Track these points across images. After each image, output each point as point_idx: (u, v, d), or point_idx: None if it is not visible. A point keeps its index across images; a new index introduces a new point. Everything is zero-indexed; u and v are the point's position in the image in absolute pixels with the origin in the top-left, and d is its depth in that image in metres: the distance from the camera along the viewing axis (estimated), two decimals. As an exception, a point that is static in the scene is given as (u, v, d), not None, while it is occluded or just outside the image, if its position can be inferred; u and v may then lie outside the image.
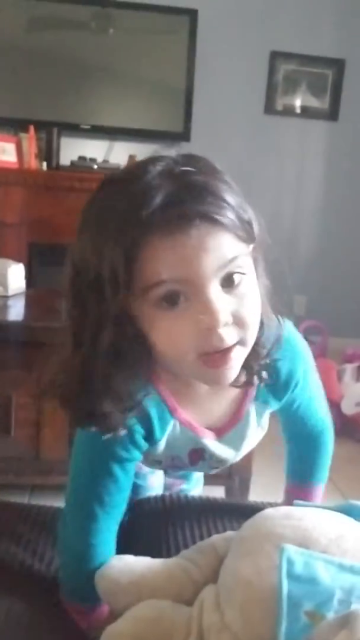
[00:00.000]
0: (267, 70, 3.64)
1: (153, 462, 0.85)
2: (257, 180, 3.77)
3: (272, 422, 0.89)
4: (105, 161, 3.41)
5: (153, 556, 0.76)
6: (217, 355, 0.61)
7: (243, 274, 0.61)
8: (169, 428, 0.75)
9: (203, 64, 3.43)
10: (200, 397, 0.75)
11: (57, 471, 1.87)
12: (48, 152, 3.24)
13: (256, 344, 0.67)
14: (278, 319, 0.73)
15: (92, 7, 3.30)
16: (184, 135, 3.46)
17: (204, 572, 0.72)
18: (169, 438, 0.76)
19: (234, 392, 0.77)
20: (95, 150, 3.43)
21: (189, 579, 0.71)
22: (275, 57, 3.62)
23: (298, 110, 3.73)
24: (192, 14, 3.35)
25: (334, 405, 2.55)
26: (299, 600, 0.55)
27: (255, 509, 0.98)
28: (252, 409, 0.80)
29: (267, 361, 0.72)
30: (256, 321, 0.64)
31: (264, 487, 0.96)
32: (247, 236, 0.62)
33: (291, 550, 0.59)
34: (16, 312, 1.89)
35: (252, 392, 0.78)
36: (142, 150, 3.42)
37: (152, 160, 0.61)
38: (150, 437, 0.74)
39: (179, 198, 0.57)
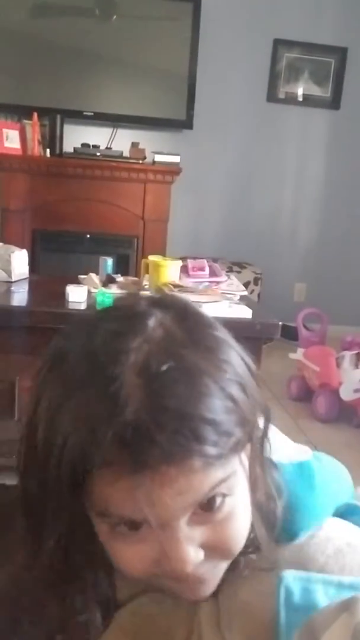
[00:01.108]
0: (270, 58, 3.64)
1: None
2: (258, 167, 3.78)
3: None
4: (108, 148, 3.42)
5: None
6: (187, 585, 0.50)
7: (226, 494, 0.48)
8: None
9: (206, 52, 3.43)
10: None
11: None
12: (51, 139, 3.26)
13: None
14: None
15: (96, -7, 3.31)
16: (187, 123, 3.47)
17: None
18: None
19: None
20: (99, 137, 3.44)
21: None
22: (278, 44, 3.62)
23: (300, 99, 3.73)
24: (195, 1, 3.34)
25: (333, 392, 2.59)
26: (297, 629, 0.55)
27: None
28: None
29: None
30: (241, 541, 0.52)
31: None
32: (236, 449, 0.47)
33: (289, 578, 0.57)
34: (20, 297, 1.92)
35: None
36: (144, 137, 3.44)
37: (126, 327, 0.47)
38: None
39: (147, 432, 0.42)
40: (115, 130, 3.47)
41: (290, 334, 3.02)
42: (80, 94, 3.40)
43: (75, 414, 0.44)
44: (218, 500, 0.47)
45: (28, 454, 0.51)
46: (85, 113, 3.38)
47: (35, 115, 3.16)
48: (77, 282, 2.08)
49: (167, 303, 0.51)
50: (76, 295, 1.90)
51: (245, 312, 1.79)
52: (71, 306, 1.87)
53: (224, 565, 0.53)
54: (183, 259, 2.15)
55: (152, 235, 3.38)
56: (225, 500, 0.48)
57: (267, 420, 0.53)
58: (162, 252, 3.05)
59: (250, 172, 3.78)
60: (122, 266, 3.07)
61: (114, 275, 2.20)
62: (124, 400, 0.43)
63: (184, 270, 2.06)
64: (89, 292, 1.98)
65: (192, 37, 3.39)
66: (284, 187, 3.86)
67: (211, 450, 0.44)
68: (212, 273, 2.08)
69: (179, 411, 0.43)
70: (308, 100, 3.74)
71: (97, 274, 2.21)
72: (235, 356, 0.50)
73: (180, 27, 3.37)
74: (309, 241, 3.93)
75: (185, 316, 0.50)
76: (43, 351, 0.52)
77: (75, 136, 3.37)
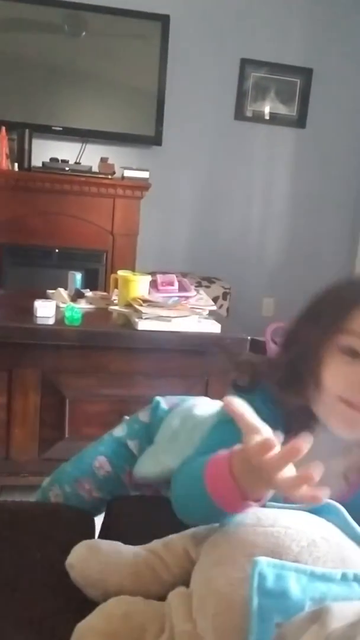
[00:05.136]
0: (237, 77, 3.70)
1: None
2: (226, 183, 3.83)
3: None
4: (77, 163, 3.42)
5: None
6: (357, 400, 0.74)
7: None
8: None
9: (175, 69, 3.47)
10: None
11: (27, 472, 1.88)
12: (20, 153, 3.24)
13: None
14: None
15: (65, 9, 3.32)
16: (156, 139, 3.50)
17: (172, 571, 0.72)
18: None
19: None
20: (67, 152, 3.44)
21: (157, 578, 0.72)
22: (246, 64, 3.68)
23: (267, 117, 3.79)
24: (164, 20, 3.39)
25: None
26: (269, 614, 0.56)
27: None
28: None
29: None
30: None
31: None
32: None
33: (263, 563, 0.59)
34: (-13, 312, 1.90)
35: None
36: (113, 153, 3.45)
37: None
38: None
39: None
40: (84, 145, 3.47)
41: (258, 348, 3.04)
42: (49, 109, 3.39)
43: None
44: None
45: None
46: (54, 128, 3.38)
47: (3, 129, 3.14)
48: (45, 296, 2.07)
49: None
50: (44, 310, 1.89)
51: (214, 327, 1.80)
52: (39, 321, 1.86)
53: None
54: (152, 273, 2.15)
55: (121, 250, 3.38)
56: None
57: None
58: (132, 267, 3.05)
59: (218, 188, 3.81)
60: (91, 281, 3.06)
61: (83, 290, 2.20)
62: None
63: (153, 285, 2.07)
64: (58, 307, 1.97)
65: (160, 55, 3.42)
66: (252, 203, 3.91)
67: None
68: (181, 288, 2.09)
69: None
70: (275, 119, 3.80)
71: (65, 288, 2.21)
72: None
73: (150, 44, 3.41)
74: (277, 256, 3.98)
75: None
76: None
77: (44, 151, 3.36)
